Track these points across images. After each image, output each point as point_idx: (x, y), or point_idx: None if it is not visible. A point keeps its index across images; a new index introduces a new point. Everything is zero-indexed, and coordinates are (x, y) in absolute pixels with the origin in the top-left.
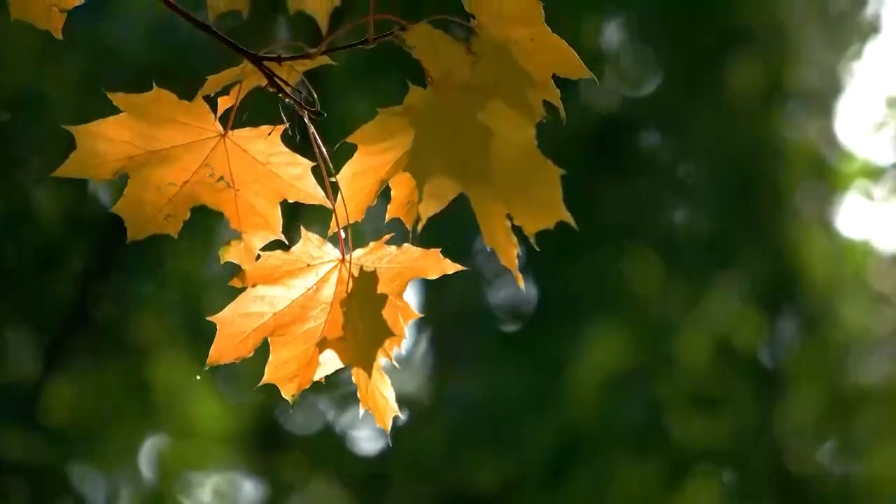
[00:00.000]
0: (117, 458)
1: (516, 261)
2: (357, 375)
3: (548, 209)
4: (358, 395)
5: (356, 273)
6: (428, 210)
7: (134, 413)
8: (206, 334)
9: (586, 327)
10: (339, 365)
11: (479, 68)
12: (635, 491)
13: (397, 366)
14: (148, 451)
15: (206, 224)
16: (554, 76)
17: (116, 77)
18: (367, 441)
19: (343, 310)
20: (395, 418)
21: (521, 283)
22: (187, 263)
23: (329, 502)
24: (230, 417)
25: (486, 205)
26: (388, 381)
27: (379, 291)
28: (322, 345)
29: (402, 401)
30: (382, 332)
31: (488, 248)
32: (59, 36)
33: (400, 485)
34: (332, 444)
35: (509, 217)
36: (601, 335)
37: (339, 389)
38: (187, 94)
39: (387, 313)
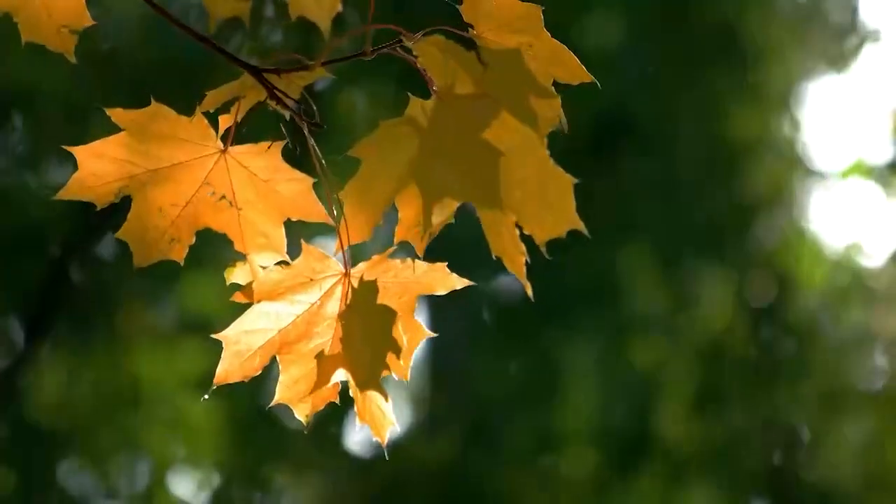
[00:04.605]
0: (102, 451)
1: (524, 269)
2: (354, 388)
3: (559, 217)
4: (355, 407)
5: (356, 284)
6: (435, 221)
7: (120, 406)
8: (193, 327)
9: (578, 325)
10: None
11: (488, 78)
12: (625, 491)
13: (405, 379)
14: (135, 446)
15: None
16: (554, 82)
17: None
18: (357, 435)
19: (342, 323)
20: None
21: (530, 292)
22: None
23: (320, 497)
24: (219, 412)
25: (493, 214)
26: (387, 394)
27: (384, 305)
28: (321, 362)
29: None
30: (386, 347)
31: (494, 257)
32: (73, 59)
33: (388, 478)
34: (323, 440)
35: (518, 226)
36: (593, 333)
37: None
38: (187, 103)
39: (394, 330)
